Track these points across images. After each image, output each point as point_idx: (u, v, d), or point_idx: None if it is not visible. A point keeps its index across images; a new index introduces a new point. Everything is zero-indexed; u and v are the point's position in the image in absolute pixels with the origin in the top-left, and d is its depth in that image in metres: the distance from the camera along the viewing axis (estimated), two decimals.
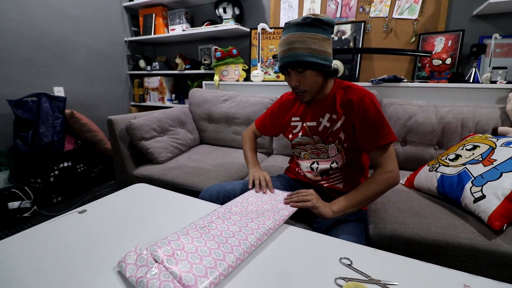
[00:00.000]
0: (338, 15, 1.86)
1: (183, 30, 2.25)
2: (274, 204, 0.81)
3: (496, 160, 0.88)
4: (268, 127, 1.13)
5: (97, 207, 0.82)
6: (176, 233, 0.61)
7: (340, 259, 0.60)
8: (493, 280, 0.54)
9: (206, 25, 2.19)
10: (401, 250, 0.84)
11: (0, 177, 1.75)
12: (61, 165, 1.80)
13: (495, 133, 1.18)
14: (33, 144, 1.69)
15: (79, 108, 2.11)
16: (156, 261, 0.51)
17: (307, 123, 0.95)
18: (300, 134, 0.98)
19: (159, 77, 2.49)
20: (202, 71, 2.22)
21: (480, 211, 0.82)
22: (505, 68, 1.34)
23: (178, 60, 2.42)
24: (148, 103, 2.61)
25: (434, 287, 0.53)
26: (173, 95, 2.56)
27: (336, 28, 1.85)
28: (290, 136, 1.02)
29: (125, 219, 0.75)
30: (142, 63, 2.56)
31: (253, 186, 0.90)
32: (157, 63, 2.47)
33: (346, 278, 0.54)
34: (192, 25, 2.42)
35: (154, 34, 2.42)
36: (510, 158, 0.86)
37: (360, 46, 1.78)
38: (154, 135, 1.47)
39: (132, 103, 2.71)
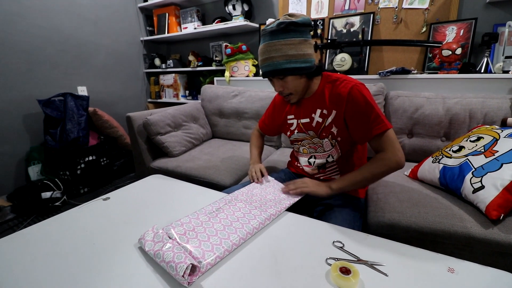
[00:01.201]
0: (346, 7, 1.85)
1: (195, 28, 2.32)
2: (277, 194, 0.88)
3: (498, 151, 0.89)
4: (269, 127, 1.18)
5: (119, 195, 0.93)
6: (188, 216, 0.69)
7: (333, 242, 0.66)
8: (476, 263, 0.58)
9: (216, 23, 2.24)
10: (399, 238, 0.87)
11: (33, 170, 1.94)
12: (87, 158, 1.96)
13: (504, 124, 1.16)
14: (61, 140, 1.85)
15: (101, 105, 2.26)
16: (170, 238, 0.60)
17: (301, 120, 0.98)
18: (296, 131, 1.01)
19: (173, 75, 2.60)
20: (213, 67, 2.30)
21: (479, 201, 0.84)
22: None
23: (191, 58, 2.50)
24: (164, 100, 2.73)
25: (419, 268, 0.57)
26: (187, 92, 2.65)
27: (344, 20, 1.85)
28: (288, 133, 1.06)
29: (143, 205, 0.84)
30: (157, 61, 2.67)
31: (253, 180, 0.99)
32: (171, 61, 2.57)
33: (336, 258, 0.60)
34: (204, 23, 2.48)
35: (168, 33, 2.51)
36: (511, 149, 0.86)
37: (369, 38, 1.77)
38: (168, 130, 1.57)
39: (149, 100, 2.85)
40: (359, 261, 0.59)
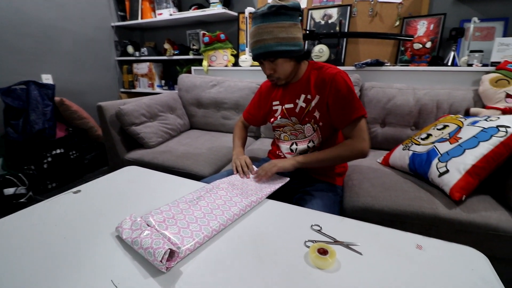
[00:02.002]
0: None
1: (171, 15, 2.23)
2: (258, 183, 0.89)
3: (461, 138, 0.96)
4: (254, 117, 1.18)
5: (91, 187, 0.88)
6: (167, 205, 0.68)
7: (311, 225, 0.67)
8: (442, 240, 0.62)
9: (193, 9, 2.17)
10: (372, 220, 0.91)
11: None
12: (54, 152, 1.83)
13: (467, 113, 1.25)
14: (25, 132, 1.71)
15: (68, 95, 2.11)
16: (148, 226, 0.58)
17: (285, 105, 1.00)
18: (279, 116, 1.03)
19: (148, 63, 2.49)
20: (191, 56, 2.23)
21: (444, 184, 0.91)
22: (481, 51, 1.39)
23: (166, 46, 2.40)
24: (138, 90, 2.62)
25: (390, 246, 0.61)
26: (163, 81, 2.56)
27: (322, 11, 1.87)
28: (272, 119, 1.07)
29: (119, 197, 0.81)
30: (130, 49, 2.54)
31: (238, 172, 0.97)
32: (145, 48, 2.46)
33: (314, 240, 0.62)
34: (180, 9, 2.39)
35: (142, 19, 2.39)
36: (473, 136, 0.93)
37: (346, 30, 1.80)
38: (144, 120, 1.51)
39: (122, 89, 2.71)
40: (335, 242, 0.62)
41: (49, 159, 1.81)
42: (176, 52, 2.31)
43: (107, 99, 2.55)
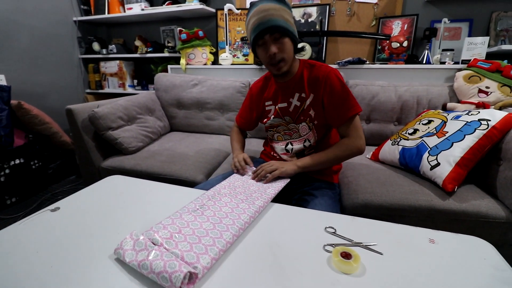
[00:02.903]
0: None
1: (142, 9, 2.08)
2: (260, 184, 0.85)
3: (448, 132, 1.01)
4: (247, 121, 1.13)
5: (72, 203, 0.77)
6: (170, 218, 0.61)
7: (325, 228, 0.65)
8: (451, 232, 0.64)
9: (167, 4, 2.05)
10: (372, 216, 0.93)
11: None
12: (12, 162, 1.61)
13: (444, 108, 1.33)
14: None
15: (27, 98, 1.87)
16: (155, 244, 0.51)
17: (279, 105, 0.97)
18: (272, 116, 1.00)
19: (117, 61, 2.30)
20: (166, 54, 2.10)
21: (436, 177, 0.95)
22: (452, 50, 1.50)
23: (137, 43, 2.25)
24: (106, 90, 2.42)
25: (405, 242, 0.61)
26: (135, 81, 2.39)
27: (302, 10, 1.87)
28: (265, 119, 1.04)
29: (107, 212, 0.72)
30: (96, 45, 2.33)
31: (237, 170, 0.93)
32: (113, 45, 2.27)
33: (333, 244, 0.60)
34: (152, 4, 2.25)
35: (108, 13, 2.20)
36: (458, 130, 0.98)
37: (325, 29, 1.83)
38: (121, 124, 1.38)
39: (88, 90, 2.49)
40: (353, 243, 0.60)
41: (7, 171, 1.58)
42: (149, 50, 2.17)
43: (71, 101, 2.33)
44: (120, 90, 2.35)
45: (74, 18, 2.28)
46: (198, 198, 0.72)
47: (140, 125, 1.50)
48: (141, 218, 0.68)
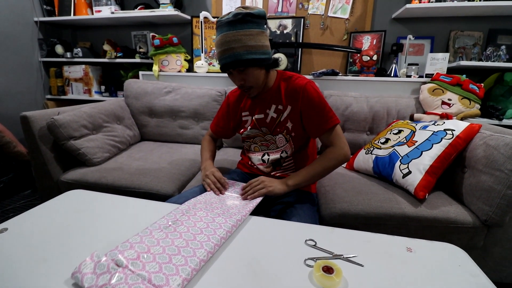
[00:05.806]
0: (279, 9, 1.91)
1: (112, 13, 1.99)
2: (236, 198, 0.81)
3: (417, 141, 1.05)
4: (224, 129, 1.10)
5: (22, 222, 0.67)
6: (138, 235, 0.55)
7: (306, 241, 0.63)
8: (426, 240, 0.65)
9: (139, 9, 1.98)
10: (349, 225, 0.93)
11: None
12: None
13: (412, 119, 1.40)
14: None
15: None
16: (119, 266, 0.45)
17: (256, 116, 0.96)
18: (249, 127, 0.98)
19: (83, 66, 2.16)
20: (137, 60, 2.01)
21: (408, 185, 0.98)
22: (417, 64, 1.60)
23: (106, 47, 2.13)
24: (70, 96, 2.25)
25: (384, 252, 0.61)
26: (103, 87, 2.25)
27: (278, 22, 1.91)
28: (241, 130, 1.02)
29: (65, 232, 0.63)
30: (59, 48, 2.17)
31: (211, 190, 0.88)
32: (79, 49, 2.13)
33: (314, 258, 0.57)
34: (122, 7, 2.16)
35: (75, 15, 2.07)
36: (427, 139, 1.03)
37: (301, 41, 1.87)
38: (85, 133, 1.27)
39: (49, 96, 2.29)
40: (334, 256, 0.59)
41: None
42: (119, 55, 2.06)
43: (29, 107, 2.13)
44: (86, 97, 2.20)
45: (35, 19, 2.11)
46: (171, 212, 0.66)
47: (107, 134, 1.39)
48: (104, 238, 0.61)
